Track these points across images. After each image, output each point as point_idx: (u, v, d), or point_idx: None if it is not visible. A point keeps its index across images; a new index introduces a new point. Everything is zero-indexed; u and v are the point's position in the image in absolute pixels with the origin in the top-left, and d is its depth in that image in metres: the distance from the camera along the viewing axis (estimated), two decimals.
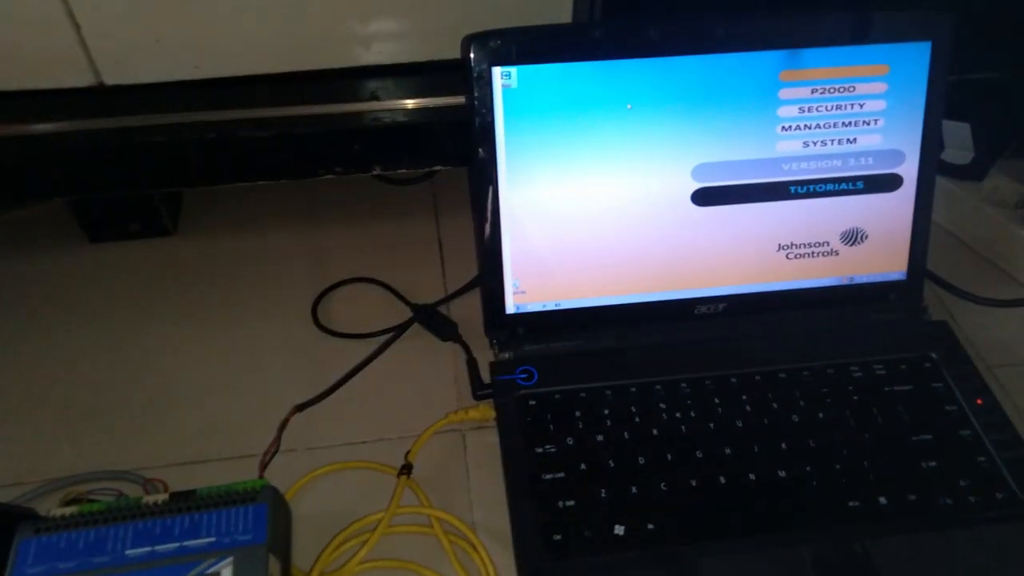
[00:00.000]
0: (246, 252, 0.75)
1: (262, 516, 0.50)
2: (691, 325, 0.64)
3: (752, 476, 0.55)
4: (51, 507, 0.51)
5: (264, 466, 0.57)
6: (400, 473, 0.57)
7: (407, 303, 0.69)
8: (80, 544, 0.48)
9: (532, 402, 0.59)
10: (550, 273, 0.62)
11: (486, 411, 0.60)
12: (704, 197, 0.60)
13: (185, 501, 0.50)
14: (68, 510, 0.50)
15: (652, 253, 0.62)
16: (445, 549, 0.54)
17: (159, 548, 0.48)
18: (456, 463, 0.59)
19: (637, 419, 0.58)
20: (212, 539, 0.48)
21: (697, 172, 0.59)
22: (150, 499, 0.51)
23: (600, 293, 0.63)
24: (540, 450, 0.56)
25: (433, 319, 0.67)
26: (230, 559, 0.47)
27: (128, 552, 0.48)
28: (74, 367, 0.65)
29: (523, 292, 0.62)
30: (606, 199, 0.59)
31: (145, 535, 0.49)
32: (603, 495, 0.54)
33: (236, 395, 0.63)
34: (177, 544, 0.48)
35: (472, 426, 0.61)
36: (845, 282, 0.64)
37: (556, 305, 0.63)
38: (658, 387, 0.60)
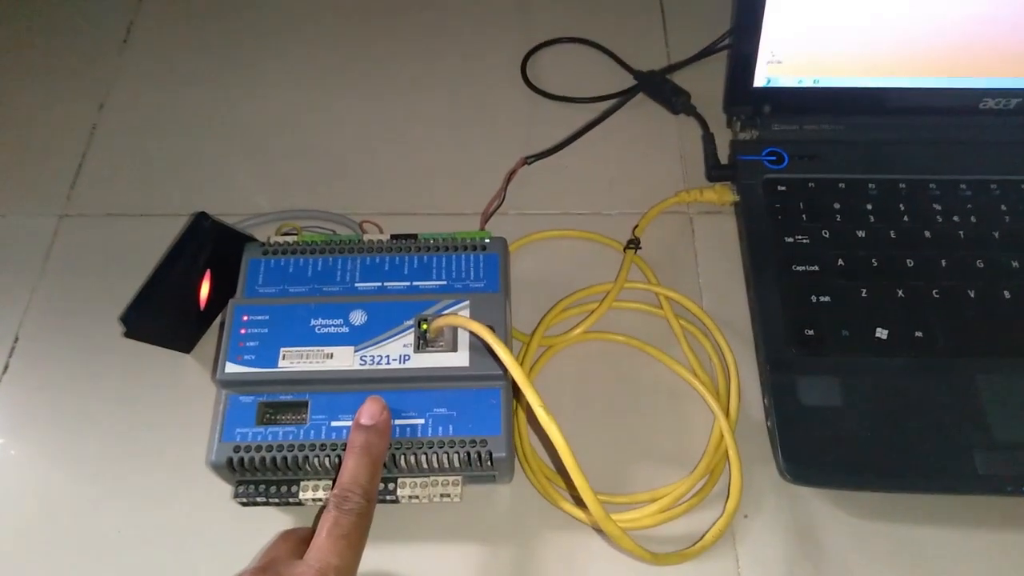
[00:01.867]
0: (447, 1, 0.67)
1: (494, 265, 0.46)
2: (973, 121, 0.54)
3: None
4: (268, 236, 0.48)
5: (487, 217, 0.52)
6: (627, 247, 0.52)
7: (629, 69, 0.61)
8: (309, 271, 0.45)
9: (782, 187, 0.52)
10: (814, 42, 0.52)
11: (724, 193, 0.53)
12: None
13: (407, 243, 0.47)
14: (290, 238, 0.47)
15: (940, 26, 0.51)
16: (674, 330, 0.49)
17: (389, 285, 0.45)
18: (684, 246, 0.53)
19: (906, 218, 0.50)
20: (443, 282, 0.45)
21: None
22: (371, 237, 0.47)
23: (868, 73, 0.53)
24: (790, 239, 0.50)
25: (663, 88, 0.59)
26: (466, 303, 0.43)
27: (358, 285, 0.45)
28: (271, 105, 0.61)
29: (779, 62, 0.53)
30: None
31: (373, 270, 0.45)
32: (864, 294, 0.48)
33: (444, 150, 0.58)
34: (407, 283, 0.45)
35: (703, 208, 0.55)
36: None
37: (814, 82, 0.54)
38: (932, 186, 0.52)
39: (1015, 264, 0.48)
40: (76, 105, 0.61)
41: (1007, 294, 0.47)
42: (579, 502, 0.42)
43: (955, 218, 0.50)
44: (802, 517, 0.44)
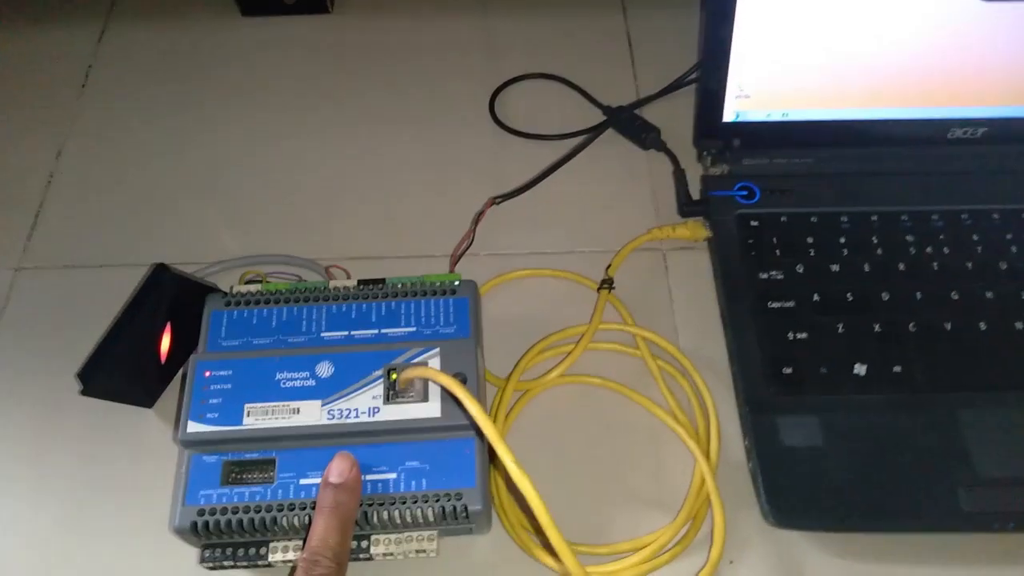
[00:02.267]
0: (411, 37, 0.66)
1: (464, 310, 0.45)
2: (941, 151, 0.54)
3: (1020, 325, 0.47)
4: (231, 286, 0.46)
5: (456, 259, 0.51)
6: (601, 287, 0.51)
7: (598, 105, 0.61)
8: (273, 322, 0.44)
9: (754, 223, 0.52)
10: (781, 76, 0.52)
11: (697, 229, 0.53)
12: None
13: (374, 289, 0.45)
14: (253, 287, 0.46)
15: (906, 57, 0.51)
16: (651, 371, 0.48)
17: (356, 333, 0.44)
18: (658, 283, 0.53)
19: (879, 251, 0.50)
20: (412, 329, 0.44)
21: None
22: (337, 283, 0.46)
23: (837, 105, 0.53)
24: (765, 275, 0.49)
25: (632, 123, 0.58)
26: (436, 350, 0.42)
27: (324, 335, 0.43)
28: (233, 149, 0.60)
29: (747, 96, 0.53)
30: None
31: (340, 319, 0.44)
32: (840, 330, 0.47)
33: (411, 190, 0.57)
34: (375, 331, 0.44)
35: (676, 245, 0.54)
36: None
37: (783, 115, 0.54)
38: (904, 218, 0.52)
39: (989, 295, 0.48)
40: (33, 154, 0.59)
41: (983, 326, 0.47)
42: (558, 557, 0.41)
43: (928, 249, 0.50)
44: (788, 561, 0.43)
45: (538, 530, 0.42)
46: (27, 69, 0.64)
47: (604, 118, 0.60)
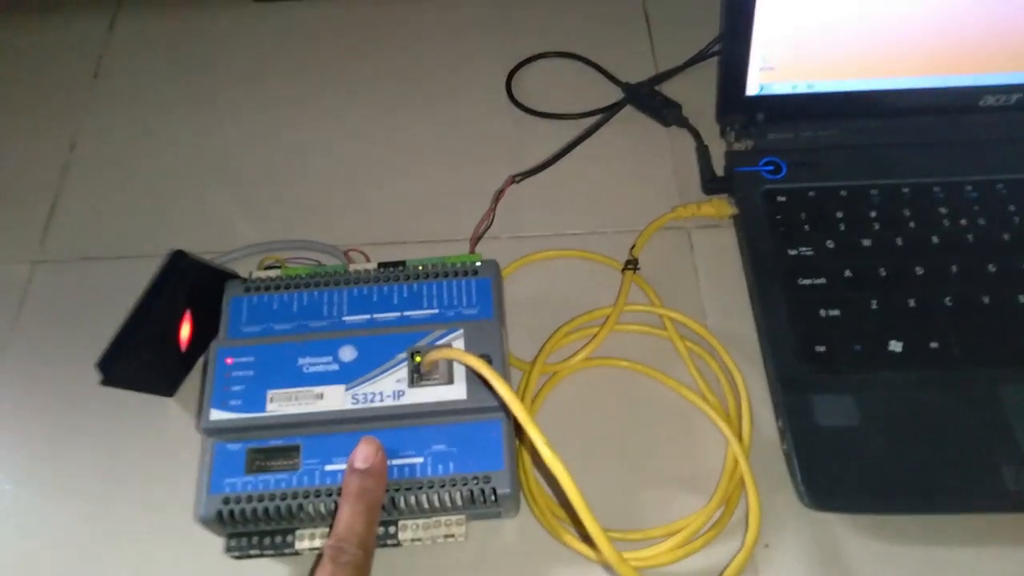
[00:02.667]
0: (425, 18, 0.65)
1: (487, 290, 0.44)
2: (973, 119, 0.53)
3: None
4: (249, 272, 0.46)
5: (476, 241, 0.50)
6: (626, 268, 0.50)
7: (616, 81, 0.60)
8: (294, 307, 0.43)
9: (782, 198, 0.50)
10: (806, 46, 0.51)
11: (722, 206, 0.52)
12: None
13: (395, 271, 0.44)
14: (272, 272, 0.45)
15: (935, 23, 0.49)
16: (679, 352, 0.47)
17: (378, 317, 0.43)
18: (683, 263, 0.52)
19: (912, 224, 0.49)
20: (434, 311, 0.43)
21: None
22: (357, 267, 0.45)
23: (864, 75, 0.52)
24: (794, 252, 0.48)
25: (652, 100, 0.57)
26: (460, 332, 0.41)
27: (346, 319, 0.43)
28: (247, 135, 0.59)
29: (771, 68, 0.52)
30: None
31: (361, 302, 0.43)
32: (873, 306, 0.46)
33: (428, 173, 0.56)
34: (397, 314, 0.43)
35: (700, 223, 0.53)
36: None
37: (808, 87, 0.53)
38: (936, 189, 0.50)
39: None
40: (47, 145, 0.59)
41: (1022, 299, 0.45)
42: (590, 542, 0.40)
43: (962, 221, 0.49)
44: (825, 544, 0.41)
45: (572, 515, 0.41)
46: (39, 60, 0.64)
47: (623, 95, 0.59)
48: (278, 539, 0.39)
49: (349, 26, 0.65)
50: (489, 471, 0.39)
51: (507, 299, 0.47)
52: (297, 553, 0.39)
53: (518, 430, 0.40)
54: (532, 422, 0.34)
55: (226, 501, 0.38)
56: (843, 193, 0.50)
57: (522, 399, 0.45)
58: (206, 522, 0.38)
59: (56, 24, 0.65)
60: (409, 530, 0.39)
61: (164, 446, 0.45)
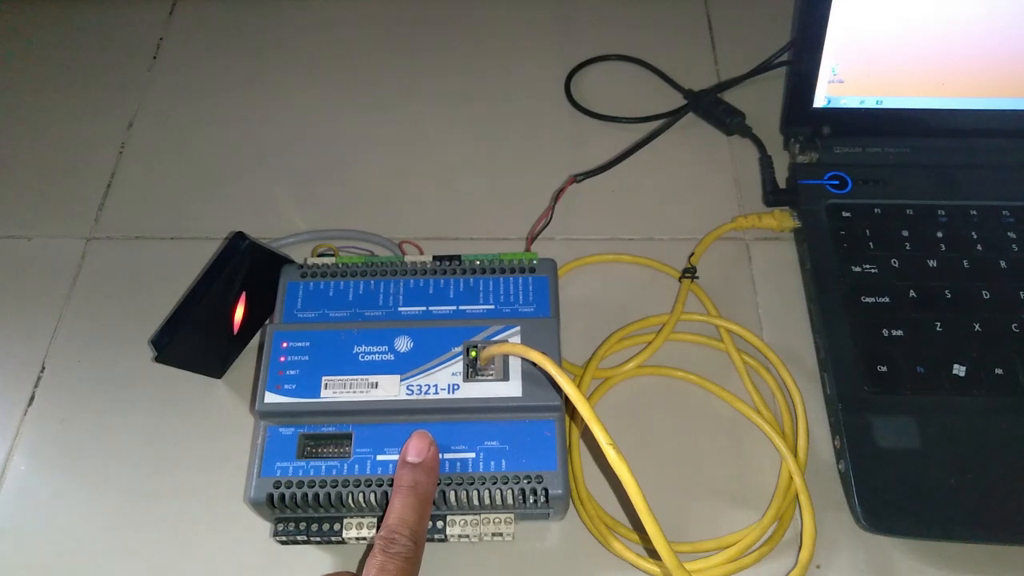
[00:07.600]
0: (485, 15, 0.65)
1: (544, 288, 0.43)
2: None
3: None
4: (304, 258, 0.45)
5: (532, 239, 0.50)
6: (684, 275, 0.49)
7: (678, 88, 0.59)
8: (349, 295, 0.43)
9: (846, 213, 0.49)
10: (878, 60, 0.50)
11: (783, 218, 0.51)
12: None
13: (451, 265, 0.44)
14: (328, 259, 0.45)
15: (1012, 44, 0.48)
16: (736, 365, 0.46)
17: (434, 309, 0.42)
18: (741, 274, 0.51)
19: (979, 247, 0.48)
20: (490, 306, 0.43)
21: None
22: (413, 259, 0.45)
23: (935, 93, 0.51)
24: (858, 269, 0.47)
25: (715, 107, 0.56)
26: (517, 328, 0.40)
27: (402, 309, 0.42)
28: (304, 123, 0.59)
29: (840, 81, 0.51)
30: None
31: (417, 294, 0.43)
32: (938, 328, 0.45)
33: (485, 171, 0.56)
34: (453, 307, 0.42)
35: (760, 235, 0.52)
36: None
37: (877, 103, 0.52)
38: (1006, 212, 0.49)
39: None
40: (104, 124, 0.59)
41: None
42: (651, 552, 0.39)
43: None
44: (879, 568, 0.40)
45: (630, 518, 0.40)
46: (99, 41, 0.64)
47: (684, 102, 0.58)
48: (325, 527, 0.39)
49: (413, 20, 0.65)
50: (542, 471, 0.38)
51: (561, 301, 0.47)
52: (343, 542, 0.39)
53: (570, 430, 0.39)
54: (598, 421, 0.33)
55: (276, 485, 0.38)
56: (909, 212, 0.49)
57: None
58: (256, 504, 0.38)
59: (117, 7, 0.66)
60: (457, 526, 0.39)
61: (212, 427, 0.45)
